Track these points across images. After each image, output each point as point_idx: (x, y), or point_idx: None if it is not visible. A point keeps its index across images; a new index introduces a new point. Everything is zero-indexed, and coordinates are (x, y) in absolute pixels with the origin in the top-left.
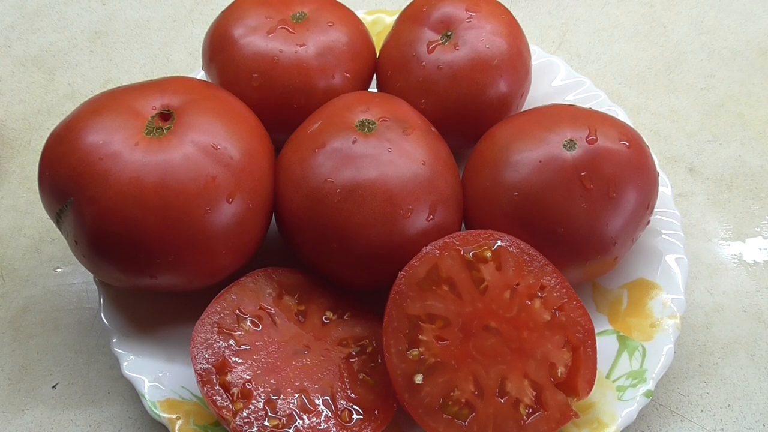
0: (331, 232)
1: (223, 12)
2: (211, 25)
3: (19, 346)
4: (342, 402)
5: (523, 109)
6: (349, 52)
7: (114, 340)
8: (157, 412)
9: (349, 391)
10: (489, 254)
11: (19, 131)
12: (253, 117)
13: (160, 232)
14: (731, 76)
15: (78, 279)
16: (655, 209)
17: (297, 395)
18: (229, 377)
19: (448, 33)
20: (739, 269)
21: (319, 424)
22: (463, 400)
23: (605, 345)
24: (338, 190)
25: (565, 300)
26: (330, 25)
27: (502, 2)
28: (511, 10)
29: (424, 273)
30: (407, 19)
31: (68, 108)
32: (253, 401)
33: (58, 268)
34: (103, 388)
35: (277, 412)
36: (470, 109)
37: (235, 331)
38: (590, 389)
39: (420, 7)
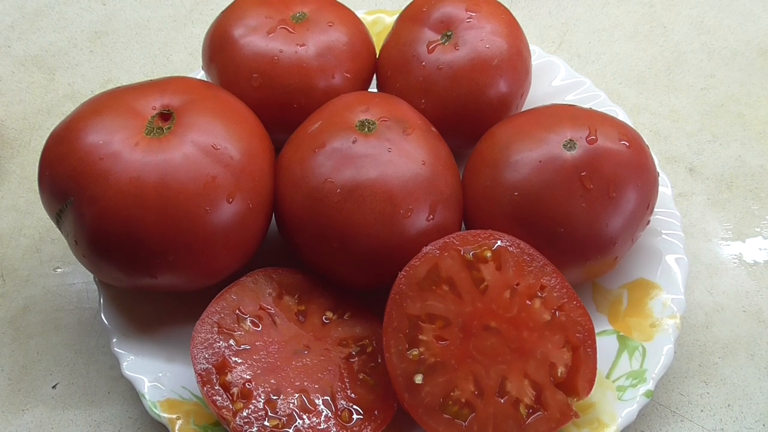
0: (331, 232)
1: (223, 12)
2: (211, 25)
3: (19, 346)
4: (342, 402)
5: (523, 109)
6: (349, 52)
7: (114, 340)
8: (157, 412)
9: (349, 391)
10: (489, 254)
11: (19, 131)
12: (253, 117)
13: (160, 232)
14: (731, 76)
15: (78, 279)
16: (655, 209)
17: (297, 395)
18: (229, 377)
19: (448, 33)
20: (739, 269)
21: (319, 424)
22: (463, 400)
23: (605, 345)
24: (338, 190)
25: (565, 300)
26: (330, 25)
27: (502, 2)
28: (511, 10)
29: (424, 273)
30: (407, 19)
31: (68, 108)
32: (253, 401)
33: (58, 268)
34: (103, 388)
35: (277, 412)
36: (470, 109)
37: (235, 331)
38: (590, 389)
39: (420, 7)
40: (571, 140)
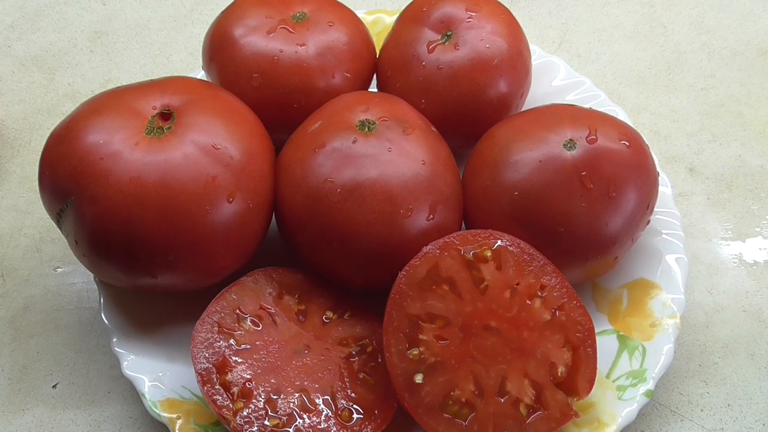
0: (332, 232)
1: (223, 12)
2: (211, 25)
3: (19, 345)
4: (342, 401)
5: (523, 109)
6: (349, 52)
7: (114, 339)
8: (157, 411)
9: (349, 391)
10: (489, 254)
11: (19, 131)
12: (254, 117)
13: (160, 232)
14: (731, 76)
15: (78, 279)
16: (655, 209)
17: (297, 395)
18: (229, 376)
19: (448, 33)
20: (739, 269)
21: (319, 423)
22: (463, 400)
23: (605, 344)
24: (338, 190)
25: (565, 299)
26: (330, 25)
27: (502, 2)
28: (511, 10)
29: (425, 273)
30: (407, 19)
31: (68, 108)
32: (254, 400)
33: (58, 267)
34: (104, 387)
35: (278, 411)
36: (470, 108)
37: (236, 331)
38: (590, 389)
39: (420, 7)
40: (571, 140)
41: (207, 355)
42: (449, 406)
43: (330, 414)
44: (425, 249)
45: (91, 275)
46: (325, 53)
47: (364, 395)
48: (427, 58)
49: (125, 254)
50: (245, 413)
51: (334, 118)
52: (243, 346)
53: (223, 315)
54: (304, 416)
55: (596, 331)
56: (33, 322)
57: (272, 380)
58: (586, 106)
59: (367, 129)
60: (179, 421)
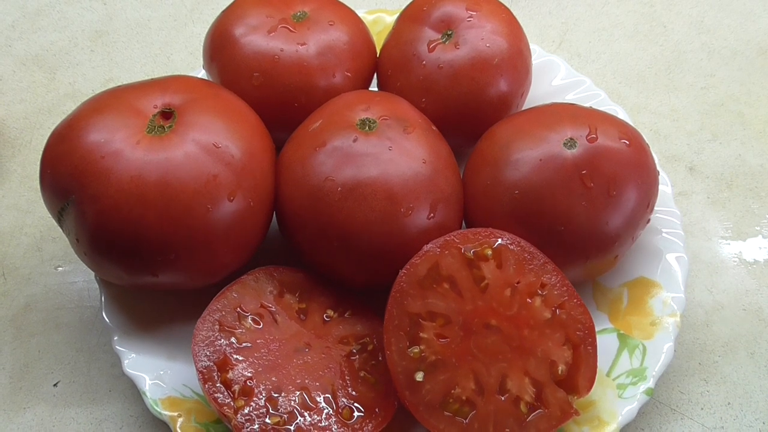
0: (332, 231)
1: (223, 11)
2: (212, 25)
3: (20, 344)
4: (343, 399)
5: (523, 108)
6: (349, 51)
7: (115, 338)
8: (158, 409)
9: (350, 389)
10: (490, 252)
11: (20, 130)
12: (254, 116)
13: (161, 231)
14: (731, 75)
15: (79, 277)
16: (656, 208)
17: (298, 393)
18: (230, 375)
19: (449, 32)
20: (739, 268)
21: (320, 421)
22: (463, 398)
23: (605, 343)
24: (339, 189)
25: (566, 298)
26: (331, 24)
27: (502, 1)
28: (512, 10)
29: (425, 271)
30: (408, 19)
31: (69, 107)
32: (255, 398)
33: (59, 266)
34: (105, 386)
35: (279, 409)
36: (471, 108)
37: (237, 329)
38: (590, 387)
39: (420, 7)
40: (571, 139)
41: (208, 353)
42: (450, 404)
43: (331, 412)
44: (426, 247)
45: (92, 274)
46: (326, 52)
47: (364, 393)
48: (428, 58)
49: (126, 253)
50: (246, 411)
51: (335, 117)
52: (244, 345)
53: (224, 313)
54: (305, 414)
55: (596, 329)
56: (34, 321)
57: (273, 378)
58: (587, 105)
59: (367, 128)
60: (180, 420)
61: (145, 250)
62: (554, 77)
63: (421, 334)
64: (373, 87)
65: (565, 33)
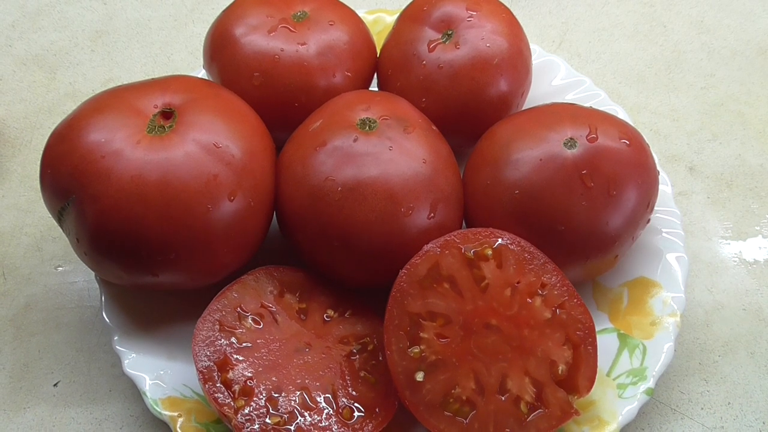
0: (332, 231)
1: (224, 11)
2: (212, 24)
3: (20, 344)
4: (343, 399)
5: (523, 108)
6: (350, 51)
7: (115, 338)
8: (158, 409)
9: (350, 389)
10: (490, 252)
11: (20, 130)
12: (255, 115)
13: (161, 230)
14: (731, 75)
15: (79, 277)
16: (656, 208)
17: (298, 393)
18: (230, 375)
19: (449, 32)
20: (739, 268)
21: (320, 421)
22: (464, 398)
23: (606, 343)
24: (339, 189)
25: (566, 298)
26: (331, 24)
27: (502, 1)
28: (512, 10)
29: (425, 271)
30: (408, 19)
31: (69, 107)
32: (255, 398)
33: (59, 266)
34: (105, 386)
35: (279, 409)
36: (471, 107)
37: (237, 329)
38: (591, 387)
39: (421, 7)
40: (571, 139)
41: (208, 353)
42: (450, 404)
43: (331, 412)
44: (426, 247)
45: (92, 274)
46: (326, 52)
47: (365, 393)
48: (428, 57)
49: (126, 253)
50: (246, 411)
51: (335, 117)
52: (244, 345)
53: (224, 313)
54: (305, 414)
55: (597, 329)
56: (34, 321)
57: (273, 378)
58: (587, 105)
59: (368, 128)
60: (180, 420)
61: (145, 249)
62: (554, 77)
63: (421, 334)
64: (373, 87)
65: (565, 33)
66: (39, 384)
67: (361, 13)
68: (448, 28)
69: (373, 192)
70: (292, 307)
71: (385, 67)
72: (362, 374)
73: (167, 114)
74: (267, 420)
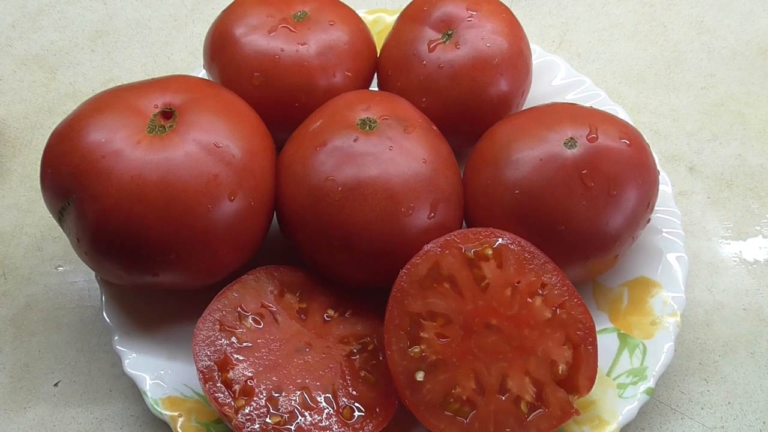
0: (333, 230)
1: (224, 11)
2: (212, 24)
3: (20, 344)
4: (343, 399)
5: (523, 108)
6: (350, 51)
7: (116, 337)
8: (158, 409)
9: (350, 389)
10: (490, 252)
11: (20, 130)
12: (255, 115)
13: (161, 230)
14: (731, 75)
15: (80, 277)
16: (656, 207)
17: (299, 392)
18: (231, 374)
19: (449, 32)
20: (739, 267)
21: (320, 421)
22: (464, 398)
23: (606, 343)
24: (339, 188)
25: (566, 298)
26: (331, 24)
27: (502, 1)
28: (512, 10)
29: (426, 271)
30: (408, 19)
31: (69, 107)
32: (255, 398)
33: (59, 266)
34: (105, 385)
35: (279, 409)
36: (471, 107)
37: (237, 329)
38: (591, 387)
39: (421, 7)
40: (571, 138)
41: (208, 353)
42: (450, 404)
43: (331, 412)
44: (426, 247)
45: (93, 273)
46: (326, 52)
47: (365, 393)
48: (428, 57)
49: (127, 252)
50: (247, 411)
51: (336, 117)
52: (244, 344)
53: (224, 313)
54: (306, 414)
55: (597, 329)
56: (34, 321)
57: (274, 378)
58: (587, 105)
59: (368, 127)
60: (181, 419)
61: (145, 249)
62: (554, 77)
63: (421, 334)
64: (374, 87)
65: (565, 33)
66: (39, 384)
67: (361, 13)
68: (448, 28)
69: (373, 192)
70: (293, 307)
71: (386, 67)
72: (362, 374)
73: (167, 114)
74: (267, 420)
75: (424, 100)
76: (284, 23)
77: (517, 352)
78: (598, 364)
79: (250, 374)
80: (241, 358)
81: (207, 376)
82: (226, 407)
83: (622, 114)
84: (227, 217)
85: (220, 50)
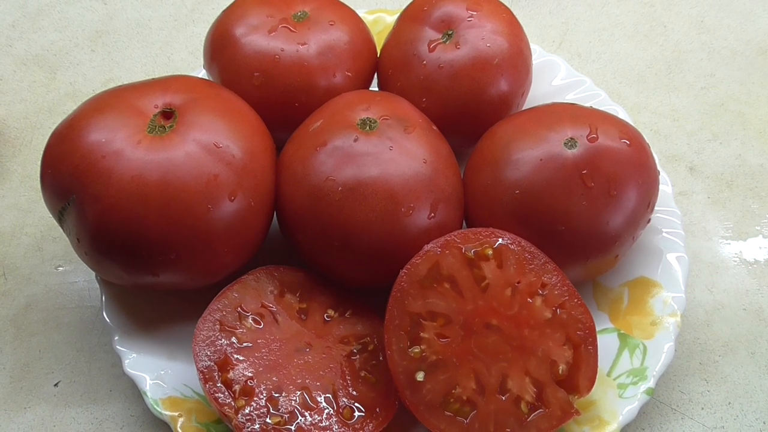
0: (333, 230)
1: (224, 11)
2: (212, 24)
3: (20, 344)
4: (344, 399)
5: (523, 108)
6: (350, 51)
7: (116, 338)
8: (159, 409)
9: (350, 389)
10: (490, 252)
11: (20, 130)
12: (255, 115)
13: (162, 230)
14: (731, 75)
15: (80, 277)
16: (656, 208)
17: (299, 392)
18: (231, 374)
19: (449, 32)
20: (740, 267)
21: (320, 421)
22: (464, 398)
23: (606, 343)
24: (340, 188)
25: (566, 298)
26: (331, 24)
27: (503, 1)
28: (512, 10)
29: (426, 271)
30: (408, 19)
31: (69, 107)
32: (255, 398)
33: (59, 266)
34: (105, 386)
35: (279, 409)
36: (471, 107)
37: (237, 329)
38: (591, 387)
39: (421, 7)
40: (571, 138)
41: (209, 353)
42: (450, 404)
43: (331, 412)
44: (426, 247)
45: (93, 274)
46: (326, 52)
47: (365, 393)
48: (428, 57)
49: (127, 252)
50: (247, 411)
51: (336, 117)
52: (244, 344)
53: (224, 313)
54: (306, 414)
55: (597, 329)
56: (34, 321)
57: (274, 378)
58: (587, 105)
59: (368, 127)
60: (181, 420)
61: (145, 249)
62: (554, 77)
63: (421, 334)
64: (374, 87)
65: (566, 33)
66: (39, 384)
67: (361, 13)
68: (448, 28)
69: (373, 192)
70: (293, 307)
71: (386, 67)
72: (363, 374)
73: (168, 114)
74: (267, 420)
75: (424, 100)
76: (284, 23)
77: (517, 352)
78: (599, 364)
79: (250, 374)
80: (241, 358)
81: (207, 376)
82: (226, 407)
83: (622, 114)
84: (227, 217)
85: (220, 50)
